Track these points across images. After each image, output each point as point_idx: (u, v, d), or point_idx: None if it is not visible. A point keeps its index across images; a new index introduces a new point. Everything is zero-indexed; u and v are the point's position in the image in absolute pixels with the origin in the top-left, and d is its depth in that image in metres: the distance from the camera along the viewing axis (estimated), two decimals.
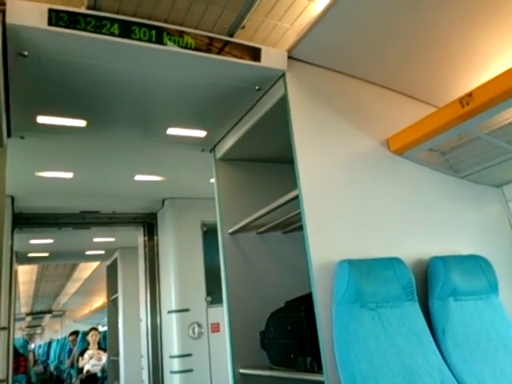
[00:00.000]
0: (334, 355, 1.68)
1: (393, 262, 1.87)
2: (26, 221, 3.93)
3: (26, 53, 1.71)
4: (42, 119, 2.27)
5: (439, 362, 1.75)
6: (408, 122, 2.07)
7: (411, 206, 2.13)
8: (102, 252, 6.16)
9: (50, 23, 1.60)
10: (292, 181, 1.97)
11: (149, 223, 4.44)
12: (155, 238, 4.38)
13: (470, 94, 1.75)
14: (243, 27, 1.89)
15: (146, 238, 4.45)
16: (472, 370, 1.77)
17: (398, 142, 2.13)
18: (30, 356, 9.15)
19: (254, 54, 1.95)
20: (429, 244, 2.08)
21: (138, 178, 3.39)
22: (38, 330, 21.02)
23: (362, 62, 2.14)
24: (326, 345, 1.72)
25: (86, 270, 9.24)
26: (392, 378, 1.63)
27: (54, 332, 19.59)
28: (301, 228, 1.92)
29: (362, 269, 1.79)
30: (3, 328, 3.21)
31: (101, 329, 9.56)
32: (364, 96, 2.24)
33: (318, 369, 1.86)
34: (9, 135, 2.29)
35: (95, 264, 8.29)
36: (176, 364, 3.71)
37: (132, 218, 4.41)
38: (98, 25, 1.67)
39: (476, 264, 2.01)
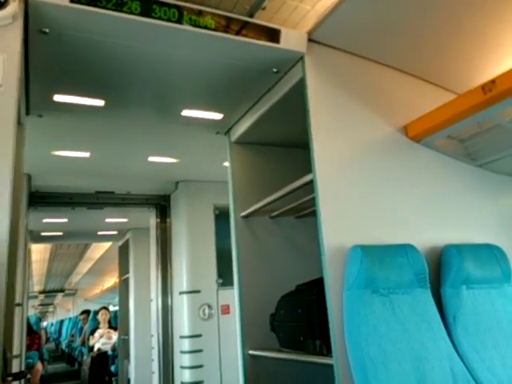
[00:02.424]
0: (344, 339, 1.70)
1: (406, 249, 1.87)
2: (41, 199, 3.97)
3: (46, 30, 1.71)
4: (60, 97, 2.28)
5: (449, 349, 1.76)
6: (427, 108, 2.04)
7: (427, 193, 2.12)
8: (115, 232, 6.21)
9: (72, 0, 1.61)
10: (306, 166, 1.97)
11: (162, 205, 4.46)
12: (168, 219, 4.40)
13: (493, 81, 1.72)
14: (264, 8, 1.87)
15: (159, 220, 4.47)
16: (482, 358, 1.78)
17: (416, 128, 2.11)
18: (42, 333, 9.34)
19: (274, 35, 1.93)
20: (443, 232, 2.08)
21: (151, 159, 3.40)
22: (51, 309, 21.41)
23: (383, 46, 2.11)
24: (336, 329, 1.73)
25: (98, 249, 9.36)
26: (401, 363, 1.64)
27: (65, 310, 19.96)
28: (314, 213, 1.93)
29: (374, 254, 1.80)
30: (18, 304, 3.27)
31: (112, 308, 9.72)
32: (383, 81, 2.21)
33: (327, 352, 1.88)
34: (27, 113, 2.31)
35: (107, 244, 8.39)
36: (186, 344, 3.76)
37: (145, 200, 4.43)
38: (119, 3, 1.66)
39: (490, 253, 2.00)
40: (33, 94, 2.19)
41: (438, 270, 1.97)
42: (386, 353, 1.65)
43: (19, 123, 1.62)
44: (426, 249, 1.96)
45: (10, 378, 1.51)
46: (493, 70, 1.90)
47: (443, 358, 1.72)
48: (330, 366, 1.74)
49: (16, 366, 3.28)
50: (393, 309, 1.76)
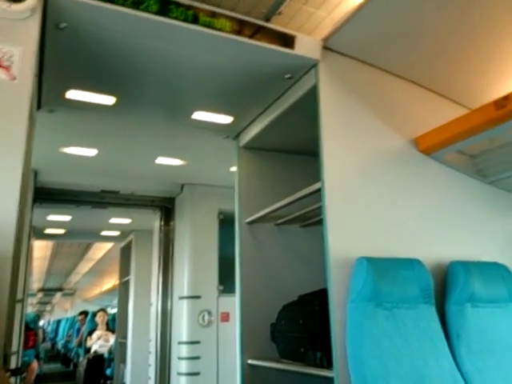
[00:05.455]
0: (345, 352, 1.67)
1: (412, 263, 1.85)
2: (46, 196, 3.93)
3: (63, 25, 1.71)
4: (72, 94, 2.28)
5: (451, 367, 1.73)
6: (438, 122, 2.03)
7: (435, 207, 2.10)
8: (117, 233, 6.19)
9: None
10: (314, 174, 1.95)
11: (166, 207, 4.42)
12: (171, 223, 4.37)
13: (506, 97, 1.71)
14: (280, 13, 1.87)
15: (163, 223, 4.43)
16: (484, 378, 1.75)
17: (426, 141, 2.09)
18: (40, 332, 9.30)
19: (288, 40, 1.93)
20: (450, 248, 2.05)
21: (159, 160, 3.39)
22: (48, 307, 21.34)
23: (397, 57, 2.11)
24: (338, 341, 1.71)
25: (100, 250, 9.32)
26: (403, 378, 1.61)
27: (63, 310, 19.88)
28: (320, 222, 1.92)
29: (380, 267, 1.77)
30: (19, 300, 3.25)
31: (110, 311, 9.68)
32: (396, 92, 2.20)
33: (328, 364, 1.85)
34: (38, 108, 2.31)
35: (109, 245, 8.36)
36: (184, 350, 3.72)
37: (150, 201, 4.39)
38: (136, 1, 1.67)
39: (497, 272, 1.98)
40: (45, 89, 2.19)
41: (443, 286, 1.94)
42: (387, 368, 1.62)
43: (30, 117, 1.61)
44: (431, 264, 1.93)
45: (8, 374, 1.50)
46: (506, 86, 1.89)
47: (445, 376, 1.69)
48: (330, 379, 1.71)
49: (13, 363, 3.26)
50: (396, 323, 1.73)
